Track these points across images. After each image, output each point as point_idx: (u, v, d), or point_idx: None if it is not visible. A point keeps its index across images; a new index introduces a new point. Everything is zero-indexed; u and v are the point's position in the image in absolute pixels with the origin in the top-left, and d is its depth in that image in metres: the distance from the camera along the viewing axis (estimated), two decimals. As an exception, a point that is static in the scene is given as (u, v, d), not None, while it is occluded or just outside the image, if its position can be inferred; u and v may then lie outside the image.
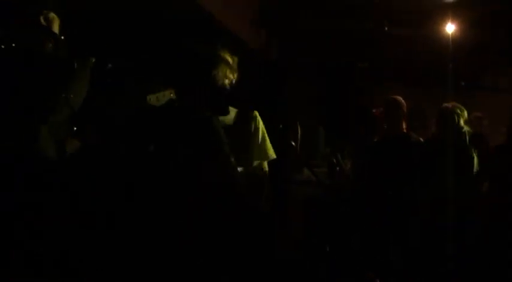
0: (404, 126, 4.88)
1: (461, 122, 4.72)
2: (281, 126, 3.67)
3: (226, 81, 3.17)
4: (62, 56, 3.23)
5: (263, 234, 3.22)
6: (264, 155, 3.80)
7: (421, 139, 4.91)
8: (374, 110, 5.20)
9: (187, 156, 2.95)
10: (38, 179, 3.15)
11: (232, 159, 2.94)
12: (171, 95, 3.16)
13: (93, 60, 3.39)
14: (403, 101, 4.92)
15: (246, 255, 3.02)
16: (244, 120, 3.70)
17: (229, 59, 3.24)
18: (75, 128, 3.28)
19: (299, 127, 3.80)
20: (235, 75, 3.23)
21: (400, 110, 4.89)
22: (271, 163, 3.89)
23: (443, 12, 5.78)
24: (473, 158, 4.73)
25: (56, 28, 3.20)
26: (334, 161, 4.19)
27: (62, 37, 3.15)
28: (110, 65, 3.30)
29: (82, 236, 3.18)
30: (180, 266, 2.92)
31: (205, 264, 2.90)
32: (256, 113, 3.83)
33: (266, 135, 3.88)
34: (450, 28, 5.61)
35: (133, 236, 3.02)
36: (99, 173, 3.34)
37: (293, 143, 3.72)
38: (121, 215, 3.07)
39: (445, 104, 4.81)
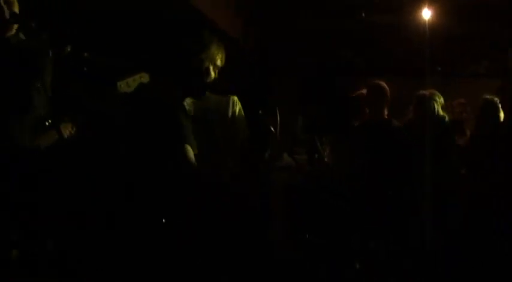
0: (386, 112, 4.90)
1: (439, 108, 4.76)
2: (260, 112, 3.67)
3: (211, 67, 3.16)
4: (32, 43, 3.18)
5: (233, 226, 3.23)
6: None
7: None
8: (355, 95, 5.20)
9: (151, 147, 2.95)
10: (15, 174, 3.12)
11: (190, 152, 2.95)
12: (141, 79, 3.13)
13: (69, 49, 3.35)
14: (386, 86, 4.93)
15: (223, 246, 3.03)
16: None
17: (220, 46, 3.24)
18: (48, 121, 3.25)
19: (278, 113, 3.78)
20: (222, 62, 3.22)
21: (385, 96, 4.91)
22: (251, 148, 3.89)
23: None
24: (453, 144, 4.77)
25: (16, 10, 3.14)
26: (313, 147, 4.21)
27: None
28: (86, 54, 3.26)
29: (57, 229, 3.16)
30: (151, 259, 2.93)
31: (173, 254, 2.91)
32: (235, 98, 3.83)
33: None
34: (427, 14, 5.64)
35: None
36: (76, 165, 3.31)
37: (272, 129, 3.70)
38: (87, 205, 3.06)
39: (422, 91, 4.83)
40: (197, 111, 3.67)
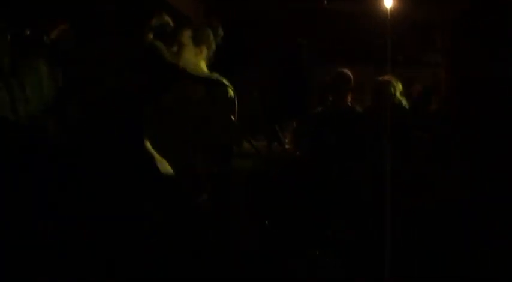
0: (350, 99, 4.94)
1: (398, 94, 4.80)
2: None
3: None
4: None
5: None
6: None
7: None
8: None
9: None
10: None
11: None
12: None
13: (28, 32, 3.30)
14: (350, 74, 4.96)
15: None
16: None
17: None
18: None
19: (236, 100, 3.77)
20: None
21: (348, 83, 4.95)
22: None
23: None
24: (411, 130, 4.81)
25: None
26: (273, 134, 4.22)
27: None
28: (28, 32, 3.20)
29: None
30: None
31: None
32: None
33: None
34: (388, 2, 5.65)
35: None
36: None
37: (232, 117, 3.70)
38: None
39: (380, 77, 4.88)
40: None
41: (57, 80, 3.33)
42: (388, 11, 5.52)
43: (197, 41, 3.81)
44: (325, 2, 6.26)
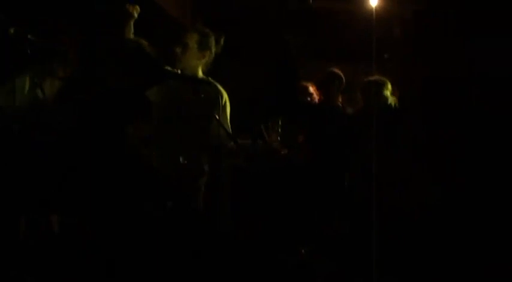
0: (340, 99, 4.96)
1: (387, 93, 4.82)
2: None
3: None
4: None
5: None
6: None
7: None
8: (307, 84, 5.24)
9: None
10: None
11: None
12: None
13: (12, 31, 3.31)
14: (341, 73, 4.99)
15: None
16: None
17: None
18: None
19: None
20: None
21: (338, 82, 4.98)
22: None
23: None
24: (400, 129, 4.85)
25: None
26: (258, 133, 4.24)
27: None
28: (29, 36, 3.22)
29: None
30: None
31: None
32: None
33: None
34: (373, 1, 5.70)
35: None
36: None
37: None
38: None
39: (368, 78, 4.90)
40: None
41: (38, 88, 3.35)
42: (373, 9, 5.56)
43: (202, 46, 3.93)
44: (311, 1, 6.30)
